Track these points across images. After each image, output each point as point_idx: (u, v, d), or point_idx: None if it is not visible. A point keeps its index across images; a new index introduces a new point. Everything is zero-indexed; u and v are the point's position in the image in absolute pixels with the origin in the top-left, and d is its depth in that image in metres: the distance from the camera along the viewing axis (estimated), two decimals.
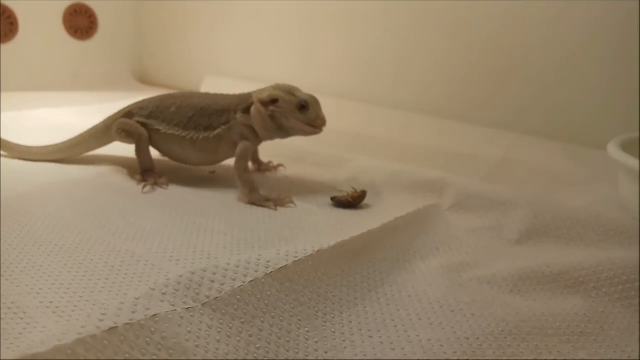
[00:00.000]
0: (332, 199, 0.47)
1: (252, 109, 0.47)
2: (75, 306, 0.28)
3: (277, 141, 0.51)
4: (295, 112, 0.46)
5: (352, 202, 0.46)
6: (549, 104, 0.70)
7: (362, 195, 0.47)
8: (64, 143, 0.54)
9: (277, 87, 0.48)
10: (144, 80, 1.16)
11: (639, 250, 0.34)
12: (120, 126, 0.51)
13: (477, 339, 0.26)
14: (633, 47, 0.63)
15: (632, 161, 0.42)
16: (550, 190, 0.54)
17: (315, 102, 0.47)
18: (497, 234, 0.39)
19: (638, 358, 0.27)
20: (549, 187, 0.55)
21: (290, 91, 0.47)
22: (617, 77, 0.65)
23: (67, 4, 1.03)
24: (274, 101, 0.46)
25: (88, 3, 1.06)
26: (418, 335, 0.26)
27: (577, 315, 0.29)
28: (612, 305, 0.31)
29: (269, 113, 0.46)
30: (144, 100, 0.52)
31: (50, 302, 0.28)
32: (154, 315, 0.22)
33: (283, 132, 0.48)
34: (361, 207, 0.46)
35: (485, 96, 0.75)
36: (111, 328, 0.20)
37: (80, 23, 1.05)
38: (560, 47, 0.68)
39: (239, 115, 0.48)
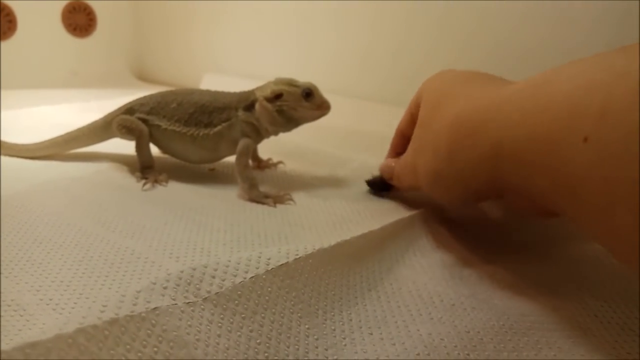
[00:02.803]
0: (368, 183, 0.48)
1: (258, 107, 0.48)
2: (75, 303, 0.28)
3: (276, 138, 0.51)
4: (302, 101, 0.47)
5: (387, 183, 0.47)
6: None
7: None
8: (61, 136, 0.54)
9: (277, 82, 0.48)
10: (143, 77, 1.16)
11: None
12: (121, 122, 0.51)
13: (478, 332, 0.26)
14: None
15: None
16: None
17: (316, 88, 0.48)
18: (500, 230, 0.39)
19: (638, 356, 0.27)
20: None
21: (291, 83, 0.47)
22: None
23: (66, 1, 1.03)
24: (278, 96, 0.47)
25: (86, 1, 1.05)
26: (418, 330, 0.26)
27: (578, 310, 0.29)
28: (614, 303, 0.31)
29: (276, 108, 0.47)
30: (145, 97, 0.52)
31: (50, 299, 0.28)
32: (155, 308, 0.22)
33: (292, 123, 0.49)
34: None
35: None
36: (112, 319, 0.20)
37: (79, 20, 1.05)
38: (556, 44, 0.68)
39: (240, 113, 0.48)
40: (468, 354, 0.24)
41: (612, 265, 0.32)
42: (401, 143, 0.44)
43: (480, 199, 0.36)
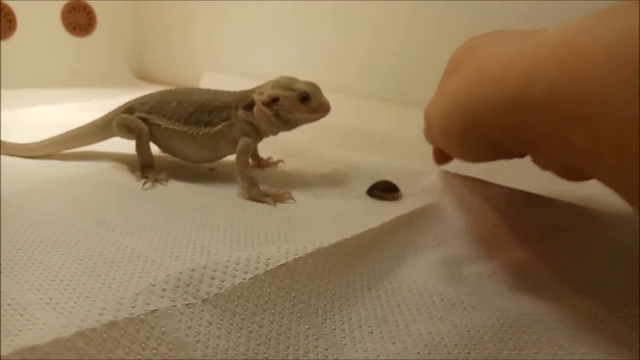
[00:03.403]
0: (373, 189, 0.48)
1: (255, 111, 0.48)
2: (75, 302, 0.28)
3: (276, 137, 0.51)
4: (298, 105, 0.46)
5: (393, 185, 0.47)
6: None
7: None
8: (61, 135, 0.54)
9: (275, 84, 0.48)
10: (143, 76, 1.16)
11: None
12: (120, 121, 0.51)
13: (478, 331, 0.26)
14: None
15: None
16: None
17: (316, 89, 0.47)
18: (498, 222, 0.39)
19: (638, 349, 0.27)
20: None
21: (289, 85, 0.47)
22: None
23: (65, 1, 1.03)
24: (275, 100, 0.47)
25: (86, 0, 1.05)
26: (419, 329, 0.26)
27: (578, 309, 0.29)
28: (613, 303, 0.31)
29: (274, 112, 0.47)
30: (145, 96, 0.52)
31: (50, 299, 0.28)
32: (154, 310, 0.22)
33: (291, 125, 0.49)
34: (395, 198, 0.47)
35: None
36: (111, 322, 0.20)
37: (79, 20, 1.05)
38: None
39: (240, 112, 0.49)
40: (468, 353, 0.24)
41: (612, 264, 0.32)
42: None
43: (500, 154, 0.33)
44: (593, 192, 0.51)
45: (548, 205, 0.39)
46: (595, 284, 0.31)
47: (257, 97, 0.48)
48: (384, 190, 0.48)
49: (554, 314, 0.28)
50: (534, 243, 0.35)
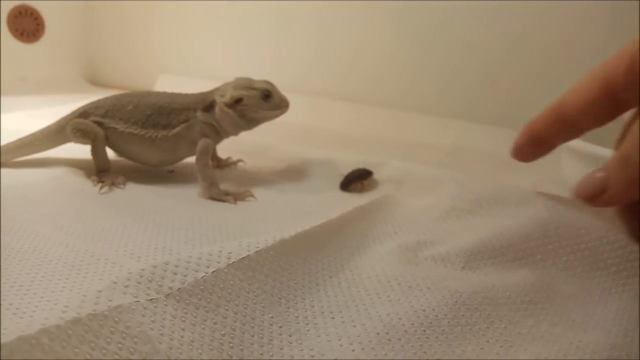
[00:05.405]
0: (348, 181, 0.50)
1: (218, 112, 0.48)
2: (36, 306, 0.28)
3: (235, 137, 0.51)
4: (261, 103, 0.48)
5: (363, 172, 0.50)
6: (494, 93, 0.73)
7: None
8: (13, 143, 0.52)
9: (235, 86, 0.49)
10: (95, 81, 1.14)
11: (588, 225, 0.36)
12: (75, 126, 0.50)
13: (433, 310, 0.27)
14: (567, 39, 0.67)
15: (573, 142, 0.45)
16: (499, 172, 0.57)
17: (273, 86, 0.49)
18: (450, 208, 0.41)
19: (581, 322, 0.29)
20: (499, 169, 0.58)
21: (249, 85, 0.48)
22: (553, 68, 0.69)
23: (11, 5, 0.99)
24: (238, 100, 0.48)
25: (33, 4, 1.02)
26: (378, 312, 0.27)
27: (526, 285, 0.31)
28: (557, 275, 0.33)
29: (238, 113, 0.47)
30: (100, 100, 0.52)
31: (10, 304, 0.28)
32: (117, 306, 0.22)
33: (254, 123, 0.50)
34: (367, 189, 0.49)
35: (435, 88, 0.78)
36: (75, 318, 0.20)
37: (26, 25, 1.02)
38: (501, 40, 0.71)
39: (199, 114, 0.49)
40: (424, 331, 0.26)
41: (555, 241, 0.34)
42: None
43: None
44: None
45: (499, 187, 0.41)
46: (541, 255, 0.33)
47: (219, 99, 0.48)
48: (360, 177, 0.49)
49: (503, 291, 0.30)
50: (486, 225, 0.37)
